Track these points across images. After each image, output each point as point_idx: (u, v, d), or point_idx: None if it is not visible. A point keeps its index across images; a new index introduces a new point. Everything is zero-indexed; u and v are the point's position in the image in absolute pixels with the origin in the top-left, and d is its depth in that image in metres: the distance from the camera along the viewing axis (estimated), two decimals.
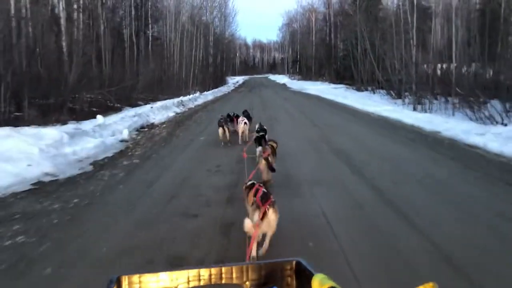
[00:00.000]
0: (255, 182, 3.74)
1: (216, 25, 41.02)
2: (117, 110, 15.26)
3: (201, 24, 33.58)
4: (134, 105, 17.09)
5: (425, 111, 14.57)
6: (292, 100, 22.42)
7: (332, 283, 0.87)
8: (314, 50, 50.80)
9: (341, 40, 33.38)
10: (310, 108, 17.72)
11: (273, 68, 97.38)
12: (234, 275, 1.02)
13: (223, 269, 1.02)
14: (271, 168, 5.15)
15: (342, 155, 7.43)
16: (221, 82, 45.73)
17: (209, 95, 25.20)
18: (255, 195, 3.35)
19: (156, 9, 32.81)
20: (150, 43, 30.46)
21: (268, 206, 3.18)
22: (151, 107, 14.58)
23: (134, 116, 11.66)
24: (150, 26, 31.76)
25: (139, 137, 9.85)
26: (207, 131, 10.77)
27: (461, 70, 14.34)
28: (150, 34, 31.65)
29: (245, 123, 8.51)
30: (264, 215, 3.13)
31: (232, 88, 42.74)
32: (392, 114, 13.65)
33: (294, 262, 1.03)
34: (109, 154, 7.64)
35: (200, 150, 8.36)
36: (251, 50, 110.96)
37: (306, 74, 54.27)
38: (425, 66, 17.96)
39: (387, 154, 7.52)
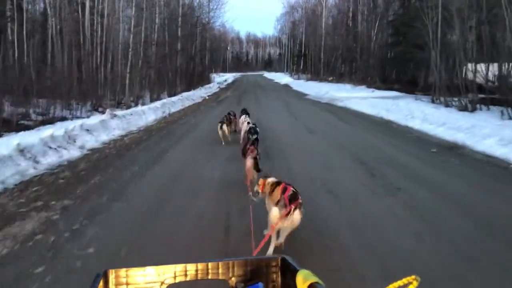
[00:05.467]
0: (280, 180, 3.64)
1: None
2: None
3: None
4: None
5: None
6: (384, 166, 7.53)
7: (315, 279, 0.86)
8: (323, 41, 38.16)
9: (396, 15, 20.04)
10: None
11: (269, 65, 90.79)
12: (220, 271, 1.02)
13: (210, 264, 1.02)
14: (257, 168, 5.00)
15: None
16: (202, 81, 32.35)
17: (148, 116, 11.33)
18: (283, 193, 3.29)
19: None
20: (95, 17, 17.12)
21: (294, 206, 3.17)
22: None
23: None
24: None
25: None
26: None
27: None
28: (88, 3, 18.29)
29: (248, 122, 8.16)
30: (288, 214, 3.15)
31: (215, 90, 29.18)
32: None
33: (279, 259, 1.04)
34: None
35: None
36: (244, 45, 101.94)
37: (314, 72, 41.37)
38: None
39: None
